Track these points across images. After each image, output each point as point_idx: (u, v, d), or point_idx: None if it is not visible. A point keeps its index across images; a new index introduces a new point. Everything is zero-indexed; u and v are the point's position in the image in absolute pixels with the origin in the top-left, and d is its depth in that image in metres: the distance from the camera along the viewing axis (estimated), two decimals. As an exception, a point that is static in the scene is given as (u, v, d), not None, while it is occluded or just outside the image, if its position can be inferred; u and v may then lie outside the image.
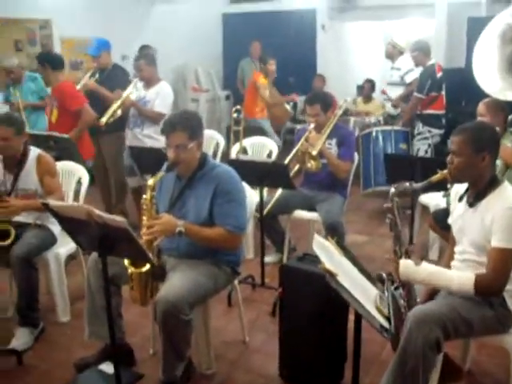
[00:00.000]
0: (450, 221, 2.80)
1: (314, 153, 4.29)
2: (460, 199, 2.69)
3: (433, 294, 2.71)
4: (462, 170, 2.54)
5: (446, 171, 2.61)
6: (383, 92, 7.16)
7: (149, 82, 5.19)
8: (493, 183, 2.55)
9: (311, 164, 4.33)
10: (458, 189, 2.74)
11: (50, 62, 4.98)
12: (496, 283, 2.43)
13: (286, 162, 4.32)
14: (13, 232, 3.45)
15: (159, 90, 5.18)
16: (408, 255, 2.56)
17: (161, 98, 5.13)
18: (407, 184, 2.62)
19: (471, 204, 2.59)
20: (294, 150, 4.42)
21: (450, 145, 2.59)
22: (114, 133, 5.36)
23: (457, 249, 2.71)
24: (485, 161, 2.51)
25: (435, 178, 2.63)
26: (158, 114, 5.04)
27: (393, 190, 2.60)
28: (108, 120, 5.02)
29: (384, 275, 2.61)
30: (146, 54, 5.51)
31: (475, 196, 2.58)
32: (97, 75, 5.35)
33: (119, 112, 5.09)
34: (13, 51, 6.65)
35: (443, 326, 2.36)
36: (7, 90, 5.96)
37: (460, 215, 2.66)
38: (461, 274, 2.51)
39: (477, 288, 2.40)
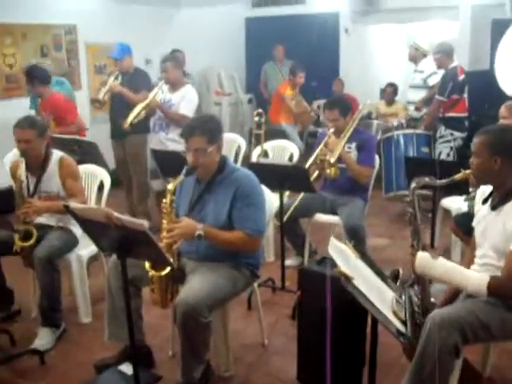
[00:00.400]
0: (474, 223, 2.79)
1: (333, 160, 4.29)
2: (484, 201, 2.68)
3: (451, 299, 2.69)
4: (479, 171, 2.55)
5: (468, 171, 2.60)
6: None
7: (174, 85, 5.22)
8: None
9: (330, 171, 4.32)
10: (484, 190, 2.73)
11: (38, 76, 5.10)
12: (509, 286, 2.40)
13: (307, 166, 4.32)
14: (35, 233, 3.50)
15: (185, 94, 5.20)
16: (425, 250, 2.54)
17: (186, 101, 5.15)
18: (427, 179, 2.60)
19: (494, 207, 2.58)
20: (313, 155, 4.42)
21: (471, 146, 2.59)
22: (139, 134, 5.44)
23: (477, 253, 2.69)
24: (497, 164, 2.50)
25: (458, 176, 2.61)
26: (183, 117, 5.03)
27: (414, 184, 2.59)
28: (132, 121, 5.07)
29: (400, 270, 2.58)
30: (174, 57, 5.56)
31: (498, 200, 2.57)
32: (120, 78, 5.42)
33: (143, 113, 5.13)
34: (38, 56, 6.74)
35: (461, 330, 2.34)
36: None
37: (483, 217, 2.65)
38: (477, 275, 2.49)
39: (490, 289, 2.38)
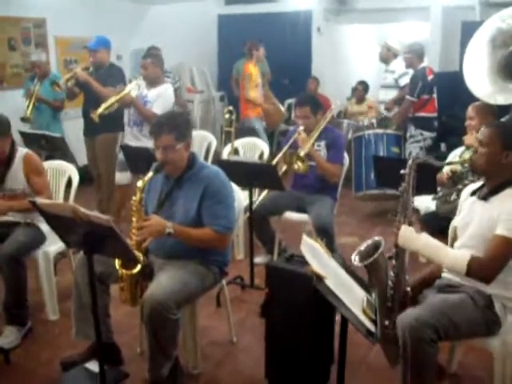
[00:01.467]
0: (455, 222, 2.84)
1: (302, 154, 4.29)
2: (472, 194, 2.73)
3: (426, 281, 2.76)
4: (484, 160, 2.59)
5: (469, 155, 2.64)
6: (369, 107, 7.25)
7: (152, 82, 5.15)
8: (509, 182, 2.59)
9: (298, 166, 4.33)
10: (473, 188, 2.79)
11: None
12: (490, 268, 2.45)
13: (274, 162, 4.33)
14: None
15: (162, 92, 5.12)
16: (410, 225, 2.57)
17: (161, 100, 5.07)
18: (425, 157, 2.65)
19: (484, 198, 2.63)
20: (282, 151, 4.43)
21: (479, 135, 2.63)
22: (110, 133, 5.42)
23: (456, 243, 2.74)
24: (508, 158, 2.57)
25: (455, 160, 2.67)
26: (154, 115, 4.95)
27: (412, 160, 2.62)
28: (103, 112, 4.96)
29: (381, 240, 2.58)
30: (155, 55, 5.47)
31: (490, 191, 2.62)
32: (90, 69, 5.37)
33: (115, 106, 5.05)
34: (6, 49, 6.64)
35: (435, 330, 2.37)
36: (29, 82, 5.95)
37: (469, 208, 2.70)
38: (457, 252, 2.56)
39: (469, 268, 2.43)
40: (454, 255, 2.52)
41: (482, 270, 2.45)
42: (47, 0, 6.83)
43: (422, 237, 2.52)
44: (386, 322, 2.48)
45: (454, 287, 2.64)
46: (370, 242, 2.59)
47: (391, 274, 2.56)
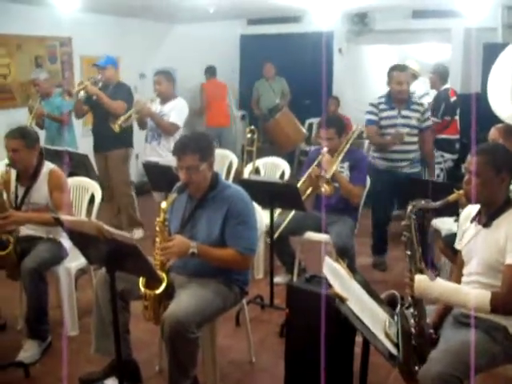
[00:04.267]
0: (457, 245, 2.80)
1: (328, 177, 4.29)
2: (472, 221, 2.70)
3: (443, 315, 2.71)
4: (480, 190, 2.54)
5: (461, 191, 2.61)
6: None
7: (165, 98, 5.34)
8: (507, 204, 2.57)
9: (325, 188, 4.30)
10: (470, 211, 2.75)
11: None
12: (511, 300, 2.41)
13: (299, 185, 4.32)
14: (12, 242, 3.46)
15: (175, 104, 5.33)
16: (422, 273, 2.53)
17: (176, 111, 5.28)
18: (423, 202, 2.60)
19: (485, 224, 2.59)
20: (306, 173, 4.43)
21: (468, 165, 2.59)
22: (122, 149, 5.59)
23: (464, 271, 2.71)
24: (504, 182, 2.54)
25: (452, 197, 2.62)
26: (173, 125, 5.22)
27: (410, 207, 2.57)
28: (122, 123, 5.13)
29: (397, 294, 2.57)
30: (167, 72, 5.60)
31: (489, 216, 2.59)
32: (100, 85, 5.49)
33: (133, 118, 5.24)
34: (33, 67, 6.75)
35: (459, 381, 2.32)
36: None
37: (472, 236, 2.66)
38: (476, 291, 2.51)
39: (493, 305, 2.39)
40: (475, 297, 2.45)
41: (506, 304, 2.41)
42: (73, 19, 6.93)
43: (437, 284, 2.47)
44: (416, 368, 2.43)
45: (468, 317, 2.57)
46: (384, 295, 2.58)
47: (412, 321, 2.53)
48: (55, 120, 5.82)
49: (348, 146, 4.47)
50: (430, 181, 5.00)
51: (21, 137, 3.57)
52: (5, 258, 3.46)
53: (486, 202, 2.60)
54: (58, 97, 5.87)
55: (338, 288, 2.40)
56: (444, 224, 4.52)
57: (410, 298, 2.54)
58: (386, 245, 5.22)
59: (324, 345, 2.81)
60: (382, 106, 4.85)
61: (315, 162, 4.40)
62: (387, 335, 2.40)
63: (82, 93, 5.44)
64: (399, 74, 4.71)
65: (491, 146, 2.70)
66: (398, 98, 4.79)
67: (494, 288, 2.48)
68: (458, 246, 2.81)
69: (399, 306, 2.53)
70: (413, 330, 2.51)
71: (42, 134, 5.12)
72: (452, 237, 4.07)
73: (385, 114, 4.83)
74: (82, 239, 2.62)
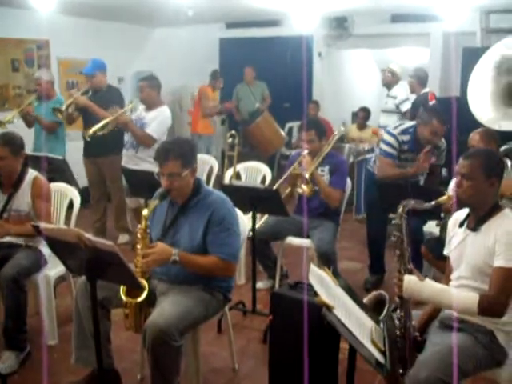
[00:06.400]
0: (446, 251, 2.80)
1: (307, 175, 4.27)
2: (461, 225, 2.70)
3: (428, 320, 2.71)
4: (471, 193, 2.56)
5: (450, 193, 2.61)
6: (374, 132, 7.24)
7: (149, 105, 5.21)
8: (495, 208, 2.58)
9: (303, 188, 4.30)
10: (458, 217, 2.76)
11: None
12: (499, 303, 2.42)
13: (276, 186, 4.31)
14: None
15: (158, 115, 5.16)
16: (411, 273, 2.53)
17: (156, 123, 5.11)
18: (413, 202, 2.59)
19: (474, 228, 2.60)
20: (285, 174, 4.42)
21: (459, 168, 2.60)
22: (113, 155, 5.44)
23: (453, 275, 2.71)
24: (493, 187, 2.56)
25: (443, 199, 2.62)
26: (147, 137, 5.05)
27: (401, 207, 2.56)
28: (96, 131, 5.03)
29: (385, 294, 2.55)
30: (151, 78, 5.44)
31: (477, 220, 2.60)
32: (89, 93, 5.39)
33: (109, 127, 5.10)
34: (10, 70, 6.65)
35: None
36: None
37: (460, 241, 2.67)
38: (465, 294, 2.51)
39: (480, 307, 2.40)
40: (464, 299, 2.46)
41: (493, 306, 2.42)
42: (51, 22, 6.85)
43: (426, 285, 2.47)
44: (401, 371, 2.43)
45: (456, 321, 2.59)
46: (372, 295, 2.57)
47: (397, 323, 2.52)
48: (41, 125, 5.69)
49: (329, 148, 4.47)
50: (409, 184, 5.02)
51: (6, 144, 3.50)
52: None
53: (476, 205, 2.61)
54: (57, 104, 5.73)
55: (324, 296, 2.38)
56: (426, 228, 4.53)
57: (397, 299, 2.53)
58: (384, 264, 4.83)
59: (308, 351, 2.80)
60: (405, 147, 4.43)
61: (295, 163, 4.39)
62: (374, 343, 2.39)
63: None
64: (439, 125, 4.22)
65: (483, 151, 2.74)
66: (425, 144, 4.35)
67: (482, 292, 2.48)
68: (446, 251, 2.81)
69: (386, 309, 2.51)
70: (398, 332, 2.51)
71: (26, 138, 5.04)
72: (434, 241, 4.10)
73: (405, 155, 4.47)
74: (62, 248, 2.56)
